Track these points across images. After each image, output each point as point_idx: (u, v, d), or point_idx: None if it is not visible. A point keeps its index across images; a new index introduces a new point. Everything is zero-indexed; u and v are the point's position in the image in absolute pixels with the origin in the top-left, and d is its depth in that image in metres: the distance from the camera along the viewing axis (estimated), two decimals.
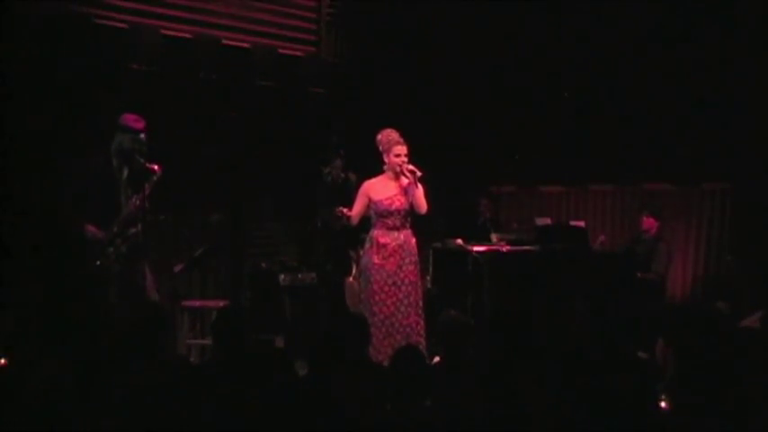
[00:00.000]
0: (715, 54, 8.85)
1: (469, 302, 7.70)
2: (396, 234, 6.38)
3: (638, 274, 8.10)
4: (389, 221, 6.39)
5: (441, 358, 4.90)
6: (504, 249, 8.20)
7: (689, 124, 9.02)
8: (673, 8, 8.90)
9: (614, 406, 3.52)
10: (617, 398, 3.57)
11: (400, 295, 6.31)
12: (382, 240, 6.38)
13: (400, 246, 6.36)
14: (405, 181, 6.37)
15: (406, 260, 6.36)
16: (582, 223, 8.96)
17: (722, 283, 8.88)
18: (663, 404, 3.90)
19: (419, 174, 6.28)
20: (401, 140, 6.36)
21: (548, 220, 9.17)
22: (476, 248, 8.11)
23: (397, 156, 6.34)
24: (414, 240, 6.45)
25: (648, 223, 8.34)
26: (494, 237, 8.65)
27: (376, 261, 6.36)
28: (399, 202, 6.38)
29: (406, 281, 6.35)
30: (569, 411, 3.56)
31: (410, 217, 6.43)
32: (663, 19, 9.01)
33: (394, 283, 6.33)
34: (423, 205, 6.37)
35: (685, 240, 9.37)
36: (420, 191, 6.33)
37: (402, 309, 6.29)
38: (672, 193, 9.51)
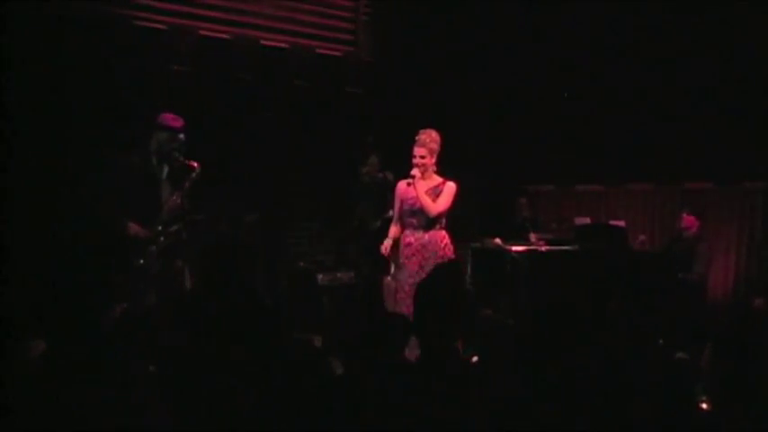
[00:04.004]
0: (758, 52, 8.74)
1: (506, 302, 7.67)
2: (420, 234, 6.26)
3: (679, 275, 8.01)
4: (414, 221, 6.28)
5: (477, 358, 4.88)
6: (543, 249, 8.16)
7: (730, 123, 8.91)
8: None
9: (652, 406, 3.49)
10: (655, 398, 3.54)
11: None
12: (407, 240, 6.31)
13: (423, 246, 6.23)
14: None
15: (430, 260, 6.15)
16: (622, 223, 8.89)
17: (763, 283, 8.75)
18: (704, 405, 3.86)
19: (412, 174, 6.19)
20: (418, 140, 6.26)
21: (587, 220, 9.11)
22: (514, 248, 8.08)
23: (413, 156, 6.28)
24: (444, 242, 6.26)
25: (689, 221, 8.20)
26: (532, 236, 8.61)
27: (401, 260, 6.32)
28: None
29: None
30: (607, 412, 3.53)
31: (444, 218, 6.31)
32: (700, 17, 8.94)
33: (415, 283, 6.26)
34: (426, 208, 6.25)
35: (726, 240, 9.25)
36: (420, 192, 6.20)
37: None
38: (712, 191, 9.40)
